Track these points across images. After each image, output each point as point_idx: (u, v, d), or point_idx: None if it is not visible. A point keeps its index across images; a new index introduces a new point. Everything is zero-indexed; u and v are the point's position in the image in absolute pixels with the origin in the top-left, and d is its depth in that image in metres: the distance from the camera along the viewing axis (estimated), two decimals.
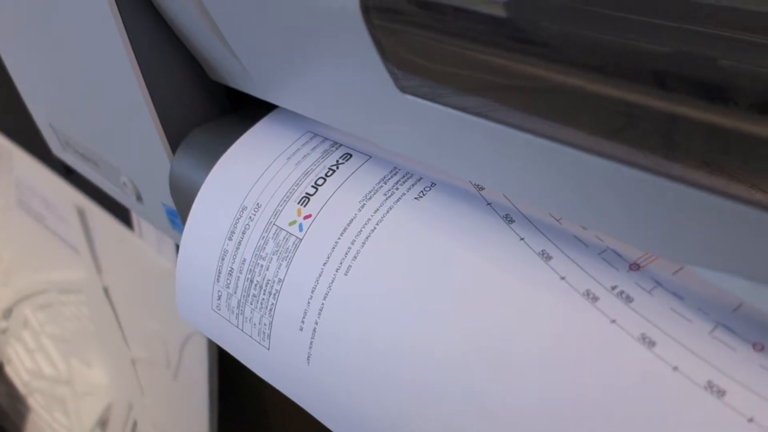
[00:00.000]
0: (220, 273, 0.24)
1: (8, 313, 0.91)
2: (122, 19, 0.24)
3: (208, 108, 0.28)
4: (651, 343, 0.15)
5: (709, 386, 0.14)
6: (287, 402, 0.62)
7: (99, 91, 0.28)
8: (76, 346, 0.78)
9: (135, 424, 0.72)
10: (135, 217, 0.60)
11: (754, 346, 0.14)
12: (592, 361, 0.15)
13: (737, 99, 0.12)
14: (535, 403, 0.16)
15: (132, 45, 0.25)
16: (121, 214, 0.63)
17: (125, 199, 0.33)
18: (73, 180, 0.70)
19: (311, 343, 0.21)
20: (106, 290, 0.67)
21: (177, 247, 0.54)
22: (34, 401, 0.93)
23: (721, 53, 0.12)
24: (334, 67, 0.19)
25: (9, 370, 0.97)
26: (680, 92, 0.13)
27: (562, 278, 0.17)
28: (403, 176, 0.20)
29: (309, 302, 0.21)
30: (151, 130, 0.26)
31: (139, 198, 0.31)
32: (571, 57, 0.14)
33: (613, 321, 0.16)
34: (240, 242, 0.23)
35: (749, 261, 0.14)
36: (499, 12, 0.15)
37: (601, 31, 0.13)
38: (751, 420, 0.13)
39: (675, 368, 0.15)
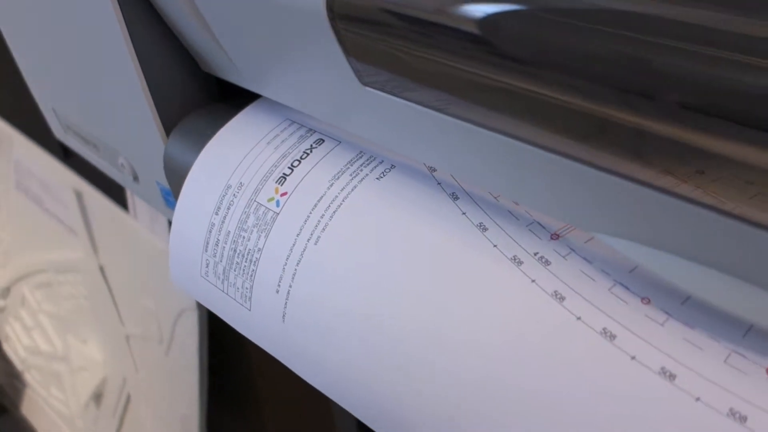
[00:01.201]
0: (207, 243, 0.27)
1: (6, 292, 0.93)
2: (123, 14, 0.27)
3: (199, 96, 0.31)
4: (561, 298, 0.18)
5: (604, 332, 0.17)
6: (275, 376, 0.66)
7: (100, 80, 0.31)
8: (72, 323, 0.81)
9: (128, 398, 0.74)
10: (130, 200, 0.63)
11: (642, 299, 0.18)
12: (514, 313, 0.18)
13: (636, 95, 0.15)
14: (465, 346, 0.19)
15: (132, 39, 0.27)
16: (117, 197, 0.66)
17: (123, 179, 0.36)
18: (71, 163, 0.72)
19: (286, 304, 0.24)
20: (102, 269, 0.70)
21: (170, 224, 0.57)
22: (31, 377, 0.96)
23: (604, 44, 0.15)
24: (307, 62, 0.22)
25: (6, 348, 1.00)
26: (593, 90, 0.16)
27: (495, 246, 0.20)
28: (368, 159, 0.23)
29: (284, 268, 0.24)
30: (148, 116, 0.29)
31: (135, 178, 0.34)
32: (504, 61, 0.17)
33: (533, 281, 0.19)
34: (225, 216, 0.26)
35: (643, 230, 0.17)
36: (446, 20, 0.17)
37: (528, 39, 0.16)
38: (633, 358, 0.17)
39: (578, 318, 0.18)
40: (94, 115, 0.34)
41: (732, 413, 0.15)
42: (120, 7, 0.26)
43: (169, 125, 0.30)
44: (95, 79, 0.31)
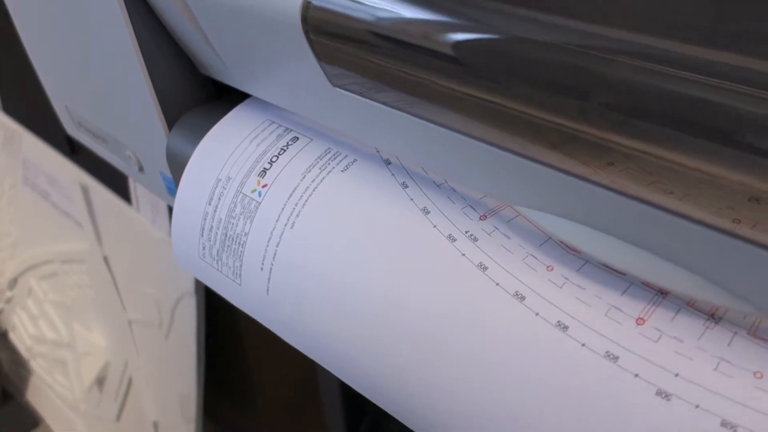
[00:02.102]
0: (203, 230, 0.31)
1: (13, 283, 0.97)
2: (132, 24, 0.30)
3: (197, 95, 0.35)
4: (484, 268, 0.22)
5: (516, 294, 0.21)
6: (266, 357, 0.70)
7: (110, 80, 0.35)
8: (77, 311, 0.85)
9: (130, 381, 0.78)
10: (133, 193, 0.67)
11: (547, 267, 0.22)
12: (446, 280, 0.23)
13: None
14: (410, 306, 0.23)
15: (139, 45, 0.31)
16: (121, 191, 0.70)
17: (129, 170, 0.40)
18: (78, 160, 0.76)
19: (269, 278, 0.28)
20: (106, 259, 0.74)
21: (169, 214, 0.60)
22: (36, 365, 1.00)
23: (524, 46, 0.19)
24: (286, 66, 0.26)
25: (13, 337, 1.04)
26: (515, 96, 0.20)
27: (434, 226, 0.24)
28: (334, 154, 0.28)
29: (266, 249, 0.28)
30: (152, 112, 0.33)
31: (141, 169, 0.38)
32: (444, 70, 0.21)
33: (463, 254, 0.23)
34: (217, 206, 0.30)
35: (562, 206, 0.21)
36: (401, 36, 0.21)
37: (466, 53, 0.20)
38: (537, 314, 0.21)
39: (497, 284, 0.22)
40: (104, 112, 0.38)
41: (608, 354, 0.20)
42: (129, 19, 0.30)
43: (171, 121, 0.34)
44: (106, 80, 0.35)
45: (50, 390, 0.98)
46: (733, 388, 0.18)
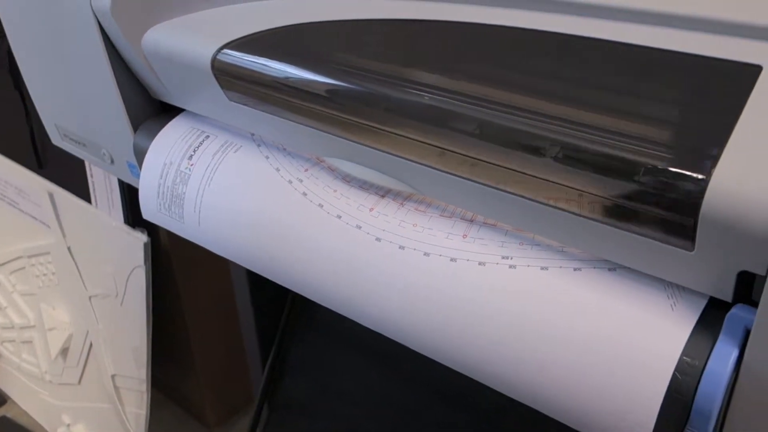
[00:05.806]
0: (158, 194, 0.52)
1: None
2: (113, 70, 0.52)
3: (152, 109, 0.53)
4: (305, 194, 0.45)
5: (320, 205, 0.44)
6: (198, 314, 0.93)
7: (93, 102, 0.54)
8: (43, 296, 1.01)
9: (90, 346, 0.96)
10: (92, 195, 0.86)
11: (334, 191, 0.44)
12: (286, 204, 0.45)
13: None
14: (259, 211, 0.45)
15: (116, 81, 0.52)
16: (82, 194, 0.89)
17: (103, 164, 0.61)
18: (44, 173, 0.95)
19: (199, 216, 0.50)
20: (69, 249, 0.91)
21: (123, 202, 0.80)
22: (5, 349, 1.14)
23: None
24: (204, 92, 0.48)
25: None
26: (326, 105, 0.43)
27: (282, 177, 0.46)
28: (230, 144, 0.50)
29: (195, 199, 0.50)
30: (124, 122, 0.52)
31: (112, 162, 0.59)
32: (284, 90, 0.44)
33: (296, 189, 0.45)
34: (165, 179, 0.52)
35: (341, 152, 0.44)
36: (257, 76, 0.44)
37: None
38: (329, 213, 0.43)
39: (311, 201, 0.44)
40: (85, 123, 0.59)
41: (357, 227, 0.42)
42: (111, 66, 0.52)
43: (136, 126, 0.52)
44: (90, 102, 0.56)
45: (17, 371, 1.12)
46: (390, 228, 0.41)
